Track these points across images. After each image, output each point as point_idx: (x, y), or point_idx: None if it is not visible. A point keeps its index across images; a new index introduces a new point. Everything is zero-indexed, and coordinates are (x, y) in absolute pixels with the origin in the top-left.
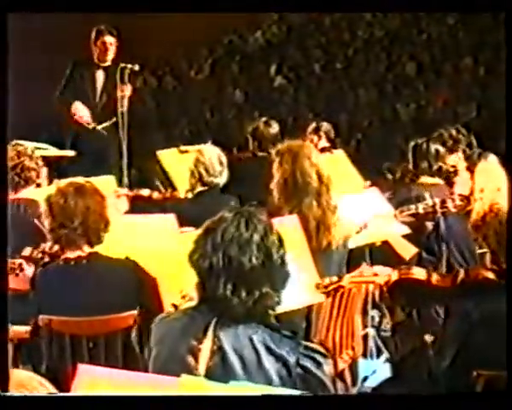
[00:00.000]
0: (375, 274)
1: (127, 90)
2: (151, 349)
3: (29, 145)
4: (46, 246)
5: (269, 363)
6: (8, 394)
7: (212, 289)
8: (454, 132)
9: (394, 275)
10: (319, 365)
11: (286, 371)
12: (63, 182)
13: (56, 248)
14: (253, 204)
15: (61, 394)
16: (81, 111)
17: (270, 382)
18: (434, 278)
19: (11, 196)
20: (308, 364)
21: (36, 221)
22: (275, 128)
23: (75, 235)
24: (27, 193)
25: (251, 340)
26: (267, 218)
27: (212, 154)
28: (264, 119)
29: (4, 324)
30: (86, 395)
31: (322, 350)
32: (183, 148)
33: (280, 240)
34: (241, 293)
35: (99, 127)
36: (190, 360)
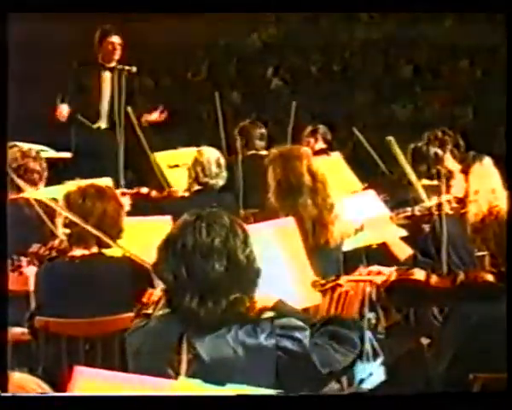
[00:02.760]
0: (373, 272)
1: (124, 91)
2: (127, 361)
3: (34, 147)
4: (55, 242)
5: (249, 360)
6: (8, 394)
7: (179, 302)
8: (440, 134)
9: (393, 275)
10: (299, 342)
11: (268, 361)
12: (84, 182)
13: (65, 245)
14: (214, 206)
15: (61, 394)
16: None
17: (253, 380)
18: (433, 279)
19: (12, 196)
20: (288, 343)
21: (46, 219)
22: (262, 128)
23: (87, 235)
24: (29, 194)
25: (226, 342)
26: (229, 219)
27: (210, 155)
28: (248, 120)
29: (4, 325)
30: (84, 396)
31: (298, 324)
32: (172, 163)
33: (245, 239)
34: (208, 304)
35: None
36: (169, 371)
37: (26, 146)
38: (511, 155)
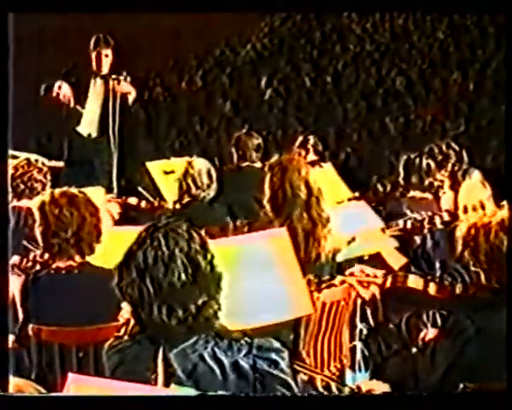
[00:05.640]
0: (368, 274)
1: (118, 100)
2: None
3: (40, 158)
4: (37, 254)
5: (225, 377)
6: (8, 394)
7: (148, 316)
8: (444, 147)
9: (388, 281)
10: (276, 364)
11: (244, 380)
12: (57, 191)
13: (47, 256)
14: (170, 216)
15: (57, 394)
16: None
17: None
18: (432, 288)
19: (14, 203)
20: (265, 366)
21: (25, 229)
22: (258, 138)
23: (67, 245)
24: (26, 202)
25: (201, 357)
26: (187, 227)
27: (201, 166)
28: (244, 130)
29: (5, 332)
30: (80, 396)
31: (275, 345)
32: (168, 168)
33: (204, 244)
34: (178, 312)
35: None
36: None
37: (32, 157)
38: (511, 165)
